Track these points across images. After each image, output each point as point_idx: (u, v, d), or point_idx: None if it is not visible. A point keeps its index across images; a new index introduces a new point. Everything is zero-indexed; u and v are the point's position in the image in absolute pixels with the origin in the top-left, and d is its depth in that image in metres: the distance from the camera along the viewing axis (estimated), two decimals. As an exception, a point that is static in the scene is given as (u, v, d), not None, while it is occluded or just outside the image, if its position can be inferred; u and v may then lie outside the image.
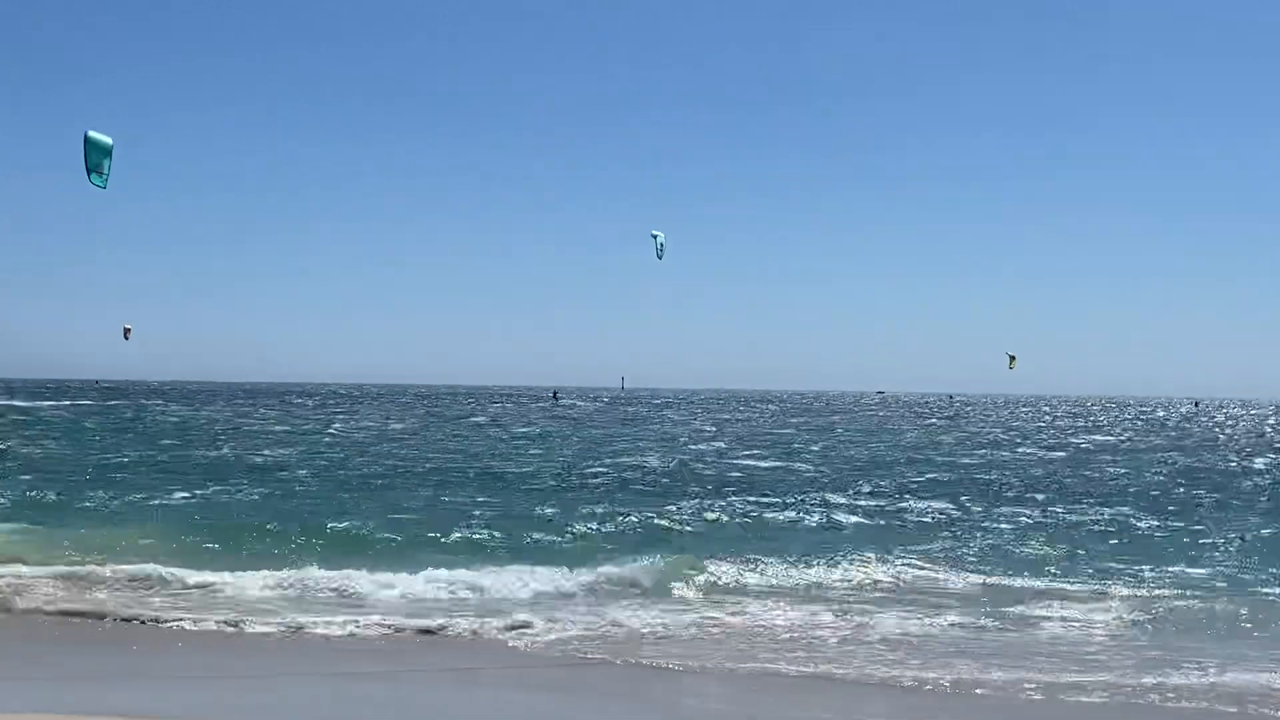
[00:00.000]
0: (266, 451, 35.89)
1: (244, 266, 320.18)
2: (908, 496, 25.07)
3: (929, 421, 75.81)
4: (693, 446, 42.73)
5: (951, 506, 23.06)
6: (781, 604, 13.21)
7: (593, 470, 31.05)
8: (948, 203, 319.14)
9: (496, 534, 18.48)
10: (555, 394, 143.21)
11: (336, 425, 55.97)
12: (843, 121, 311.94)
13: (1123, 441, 51.99)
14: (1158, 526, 20.62)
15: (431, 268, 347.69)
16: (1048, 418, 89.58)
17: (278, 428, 53.32)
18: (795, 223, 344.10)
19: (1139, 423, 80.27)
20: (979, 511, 22.31)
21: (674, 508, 22.18)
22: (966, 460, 37.33)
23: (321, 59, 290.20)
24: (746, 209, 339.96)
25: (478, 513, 21.03)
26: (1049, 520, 21.26)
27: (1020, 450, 43.33)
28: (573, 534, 18.77)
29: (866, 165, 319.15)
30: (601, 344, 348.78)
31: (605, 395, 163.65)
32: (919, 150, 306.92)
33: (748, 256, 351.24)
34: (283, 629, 11.90)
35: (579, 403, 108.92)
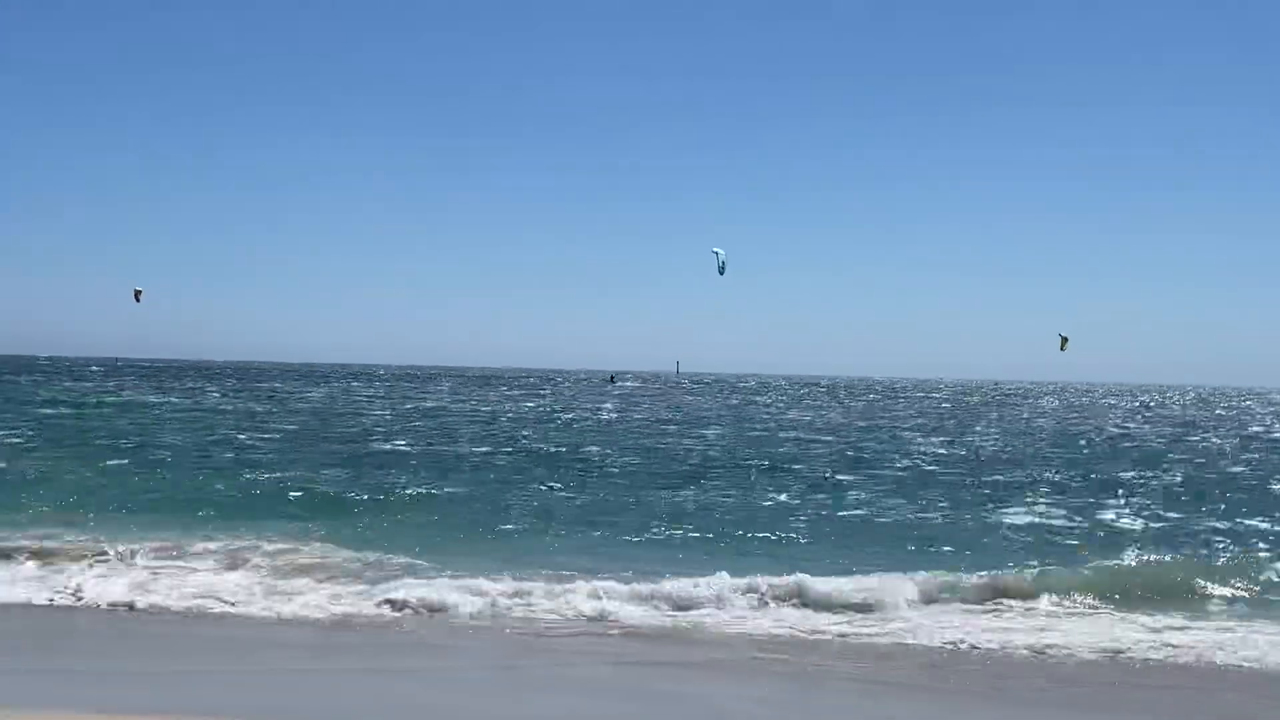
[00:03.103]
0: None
1: (290, 249, 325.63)
2: None
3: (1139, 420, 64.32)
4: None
5: None
6: None
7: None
8: (996, 193, 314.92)
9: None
10: (613, 377, 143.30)
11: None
12: (896, 109, 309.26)
13: None
14: None
15: (486, 253, 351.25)
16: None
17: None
18: (851, 211, 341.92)
19: None
20: None
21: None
22: None
23: (355, 52, 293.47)
24: (800, 196, 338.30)
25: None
26: None
27: None
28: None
29: (918, 155, 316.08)
30: (655, 328, 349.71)
31: (686, 379, 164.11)
32: (972, 140, 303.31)
33: (799, 243, 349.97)
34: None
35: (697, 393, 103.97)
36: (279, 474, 23.64)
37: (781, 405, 71.94)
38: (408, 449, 31.02)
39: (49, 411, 42.47)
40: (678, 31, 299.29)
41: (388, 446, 31.83)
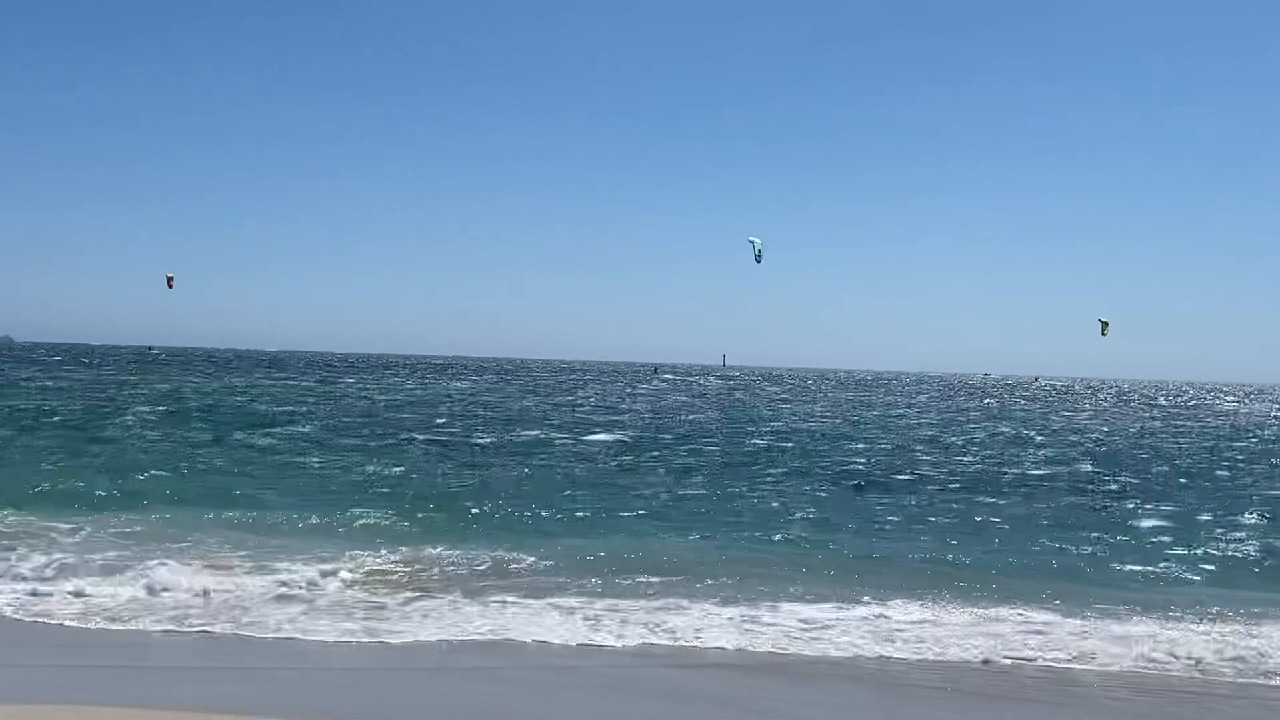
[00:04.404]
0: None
1: (309, 243, 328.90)
2: None
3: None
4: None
5: None
6: None
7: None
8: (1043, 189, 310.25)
9: None
10: (656, 369, 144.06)
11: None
12: (945, 104, 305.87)
13: None
14: None
15: (530, 242, 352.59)
16: None
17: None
18: (897, 210, 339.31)
19: None
20: None
21: None
22: None
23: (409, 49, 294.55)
24: (843, 193, 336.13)
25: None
26: None
27: None
28: None
29: (961, 151, 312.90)
30: (701, 321, 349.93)
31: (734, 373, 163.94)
32: (1022, 132, 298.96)
33: (844, 239, 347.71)
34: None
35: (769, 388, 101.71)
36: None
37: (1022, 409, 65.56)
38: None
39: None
40: (724, 11, 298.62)
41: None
